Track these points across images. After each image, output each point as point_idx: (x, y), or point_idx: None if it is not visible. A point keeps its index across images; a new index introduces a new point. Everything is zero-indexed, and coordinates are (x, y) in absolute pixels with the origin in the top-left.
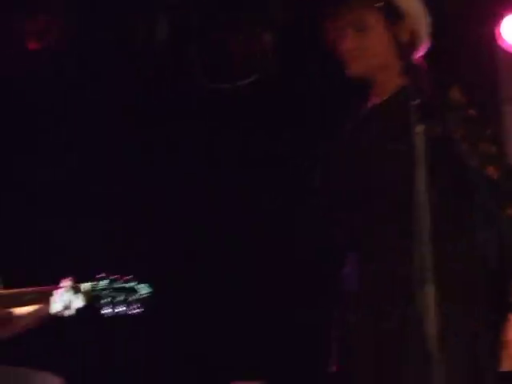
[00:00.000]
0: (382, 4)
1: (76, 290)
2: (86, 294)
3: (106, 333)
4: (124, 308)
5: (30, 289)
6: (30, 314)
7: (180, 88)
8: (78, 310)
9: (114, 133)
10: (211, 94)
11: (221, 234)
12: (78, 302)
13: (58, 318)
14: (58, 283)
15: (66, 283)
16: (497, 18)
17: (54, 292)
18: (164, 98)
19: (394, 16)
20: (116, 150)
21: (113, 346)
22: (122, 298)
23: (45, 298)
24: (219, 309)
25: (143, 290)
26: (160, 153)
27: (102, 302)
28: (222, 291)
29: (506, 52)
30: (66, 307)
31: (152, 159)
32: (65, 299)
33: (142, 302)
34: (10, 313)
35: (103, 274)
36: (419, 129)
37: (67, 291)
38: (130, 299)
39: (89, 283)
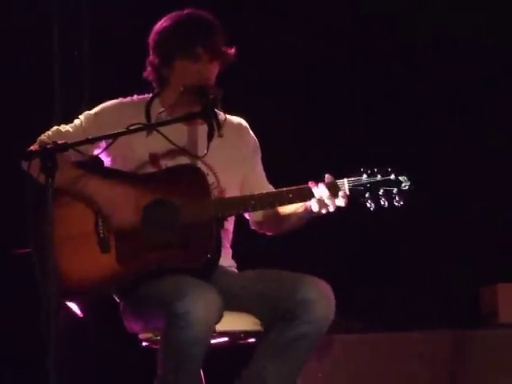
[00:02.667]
0: None
1: (335, 186)
2: (346, 188)
3: None
4: (386, 202)
5: (290, 188)
6: (295, 212)
7: None
8: (339, 207)
9: None
10: None
11: None
12: (339, 199)
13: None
14: (317, 180)
15: (326, 179)
16: None
17: (314, 189)
18: None
19: None
20: None
21: None
22: (383, 190)
23: (306, 196)
24: None
25: (404, 181)
26: None
27: (364, 197)
28: None
29: None
30: (327, 203)
31: None
32: (325, 196)
33: (405, 193)
34: (277, 212)
35: (362, 169)
36: None
37: (327, 187)
38: (393, 192)
39: (346, 179)
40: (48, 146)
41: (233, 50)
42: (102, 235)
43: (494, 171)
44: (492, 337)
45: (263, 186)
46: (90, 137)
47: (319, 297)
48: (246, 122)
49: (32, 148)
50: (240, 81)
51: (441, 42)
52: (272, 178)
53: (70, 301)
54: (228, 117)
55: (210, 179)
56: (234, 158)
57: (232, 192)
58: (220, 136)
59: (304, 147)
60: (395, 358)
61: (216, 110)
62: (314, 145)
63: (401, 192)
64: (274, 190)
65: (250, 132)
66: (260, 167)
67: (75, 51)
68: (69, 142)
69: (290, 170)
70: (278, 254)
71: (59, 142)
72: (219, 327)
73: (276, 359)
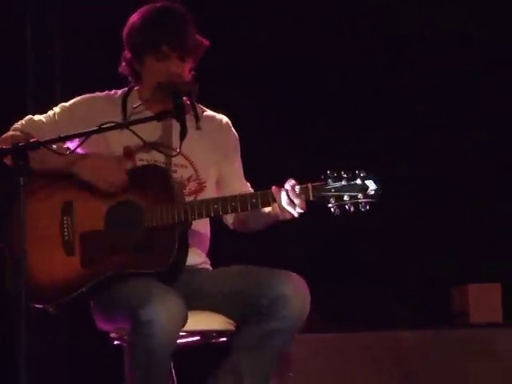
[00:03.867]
0: None
1: (299, 192)
2: (310, 194)
3: None
4: (352, 207)
5: (253, 192)
6: (259, 216)
7: None
8: (304, 213)
9: None
10: None
11: None
12: (302, 205)
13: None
14: (282, 184)
15: (290, 184)
16: None
17: (277, 195)
18: None
19: None
20: None
21: None
22: (348, 196)
23: (269, 201)
24: None
25: (370, 185)
26: None
27: (329, 202)
28: None
29: None
30: (289, 210)
31: None
32: (287, 202)
33: (371, 198)
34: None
35: (328, 172)
36: None
37: (290, 193)
38: (358, 197)
39: (310, 184)
40: (20, 144)
41: (205, 43)
42: (66, 237)
43: (469, 167)
44: (463, 337)
45: (239, 182)
46: (62, 131)
47: (294, 292)
48: (229, 119)
49: (3, 138)
50: (221, 76)
51: (427, 35)
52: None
53: (37, 304)
54: (210, 112)
55: (189, 172)
56: (213, 152)
57: (212, 184)
58: (198, 129)
59: (277, 146)
60: (366, 357)
61: (194, 103)
62: (287, 143)
63: (366, 197)
64: (250, 188)
65: (232, 129)
66: (238, 164)
67: (48, 51)
68: (41, 138)
69: (262, 171)
70: (251, 250)
71: (31, 135)
72: (191, 326)
73: (251, 353)
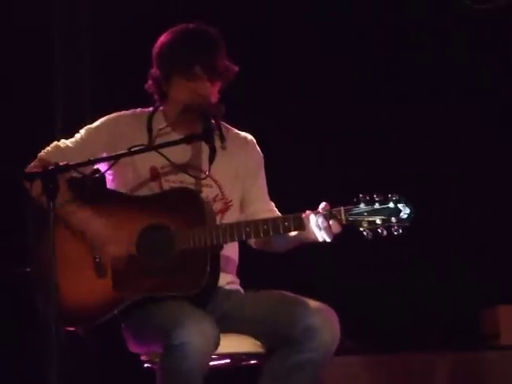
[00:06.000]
0: None
1: (331, 215)
2: (343, 218)
3: None
4: (384, 231)
5: (285, 216)
6: (290, 238)
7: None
8: (336, 236)
9: None
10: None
11: None
12: (335, 229)
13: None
14: (314, 208)
15: (322, 207)
16: None
17: (310, 218)
18: None
19: None
20: None
21: None
22: (380, 220)
23: (301, 225)
24: None
25: (403, 209)
26: None
27: (361, 225)
28: None
29: None
30: (322, 233)
31: None
32: (321, 225)
33: (404, 222)
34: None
35: (361, 195)
36: None
37: (323, 217)
38: (391, 220)
39: (343, 208)
40: (50, 168)
41: (235, 68)
42: (97, 259)
43: (498, 187)
44: (493, 359)
45: (263, 200)
46: (89, 153)
47: (324, 324)
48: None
49: (33, 167)
50: (245, 94)
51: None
52: (272, 199)
53: (67, 327)
54: (234, 130)
55: (214, 191)
56: (238, 171)
57: (237, 203)
58: (223, 149)
59: (305, 169)
60: (396, 379)
61: (220, 124)
62: (315, 167)
63: (399, 221)
64: (274, 207)
65: (256, 146)
66: (262, 182)
67: (77, 65)
68: (69, 162)
69: (291, 193)
70: (280, 272)
71: (59, 162)
72: (221, 349)
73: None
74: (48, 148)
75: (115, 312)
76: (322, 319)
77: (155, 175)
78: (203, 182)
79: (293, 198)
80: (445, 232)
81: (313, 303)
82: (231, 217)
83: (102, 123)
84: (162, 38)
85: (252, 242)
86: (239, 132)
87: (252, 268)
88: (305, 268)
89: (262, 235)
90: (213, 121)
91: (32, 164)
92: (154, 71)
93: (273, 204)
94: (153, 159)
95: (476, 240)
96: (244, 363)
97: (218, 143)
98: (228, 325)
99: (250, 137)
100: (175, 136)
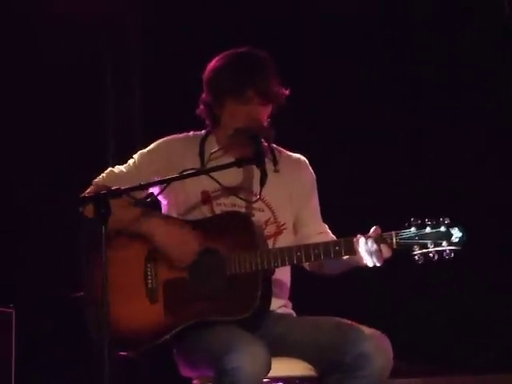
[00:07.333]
0: None
1: (382, 239)
2: (394, 242)
3: None
4: (436, 255)
5: (336, 240)
6: (339, 261)
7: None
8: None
9: None
10: None
11: None
12: (386, 253)
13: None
14: (364, 233)
15: (374, 232)
16: None
17: (361, 242)
18: None
19: None
20: None
21: None
22: (432, 244)
23: (352, 249)
24: None
25: (455, 233)
26: None
27: (412, 250)
28: None
29: None
30: (373, 258)
31: None
32: (372, 249)
33: (455, 246)
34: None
35: (412, 219)
36: None
37: (374, 241)
38: (443, 244)
39: (394, 232)
40: (101, 192)
41: (286, 92)
42: (150, 285)
43: None
44: None
45: (316, 222)
46: (142, 178)
47: (376, 350)
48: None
49: (86, 193)
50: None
51: None
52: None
53: (121, 352)
54: (287, 153)
55: (266, 215)
56: (290, 193)
57: (290, 226)
58: (276, 171)
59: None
60: None
61: (272, 147)
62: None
63: (451, 245)
64: (327, 229)
65: (309, 167)
66: (315, 203)
67: (128, 91)
68: (122, 186)
69: (340, 216)
70: (332, 298)
71: (113, 187)
72: (274, 373)
73: None
74: (103, 174)
75: (168, 337)
76: (374, 345)
77: (206, 199)
78: (254, 205)
79: (346, 221)
80: (496, 253)
81: (365, 329)
82: (285, 240)
83: (155, 147)
84: (213, 63)
85: (306, 264)
86: (291, 154)
87: (305, 292)
88: (355, 291)
89: (313, 259)
90: (265, 144)
91: (87, 190)
92: (205, 96)
93: (326, 226)
94: (204, 183)
95: None
96: None
97: (270, 166)
98: (280, 348)
99: (302, 158)
100: (227, 160)
